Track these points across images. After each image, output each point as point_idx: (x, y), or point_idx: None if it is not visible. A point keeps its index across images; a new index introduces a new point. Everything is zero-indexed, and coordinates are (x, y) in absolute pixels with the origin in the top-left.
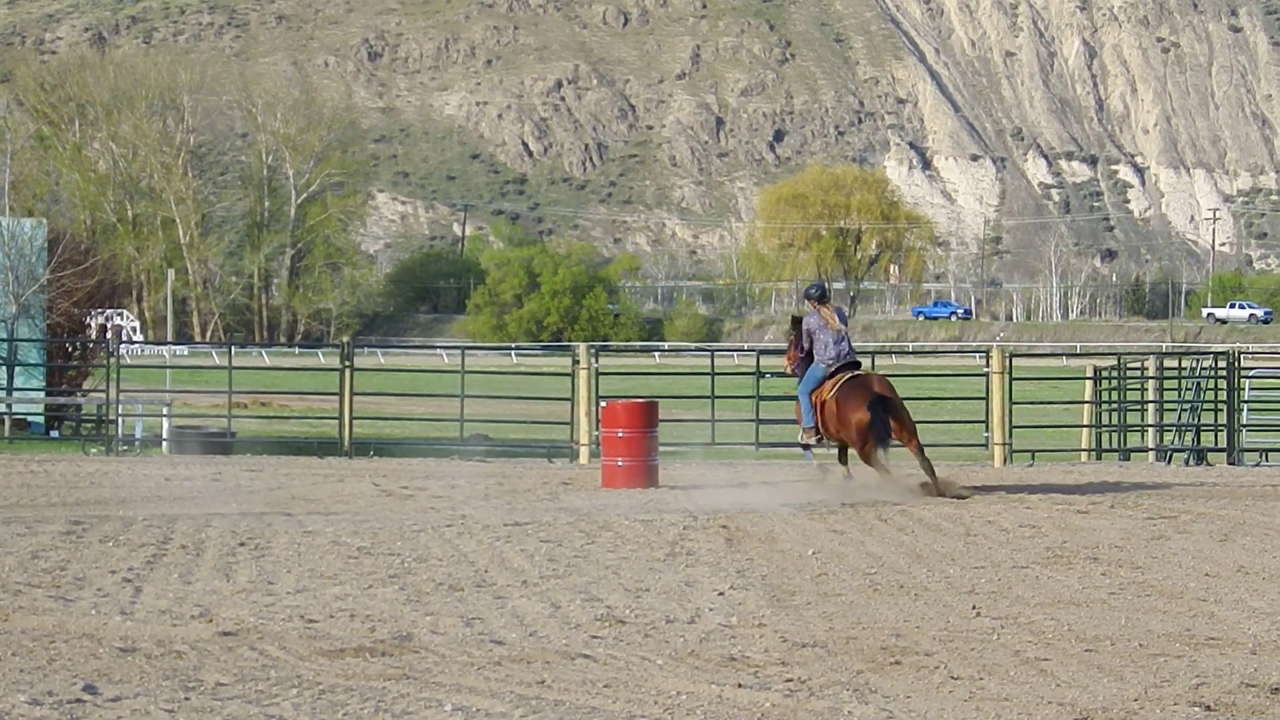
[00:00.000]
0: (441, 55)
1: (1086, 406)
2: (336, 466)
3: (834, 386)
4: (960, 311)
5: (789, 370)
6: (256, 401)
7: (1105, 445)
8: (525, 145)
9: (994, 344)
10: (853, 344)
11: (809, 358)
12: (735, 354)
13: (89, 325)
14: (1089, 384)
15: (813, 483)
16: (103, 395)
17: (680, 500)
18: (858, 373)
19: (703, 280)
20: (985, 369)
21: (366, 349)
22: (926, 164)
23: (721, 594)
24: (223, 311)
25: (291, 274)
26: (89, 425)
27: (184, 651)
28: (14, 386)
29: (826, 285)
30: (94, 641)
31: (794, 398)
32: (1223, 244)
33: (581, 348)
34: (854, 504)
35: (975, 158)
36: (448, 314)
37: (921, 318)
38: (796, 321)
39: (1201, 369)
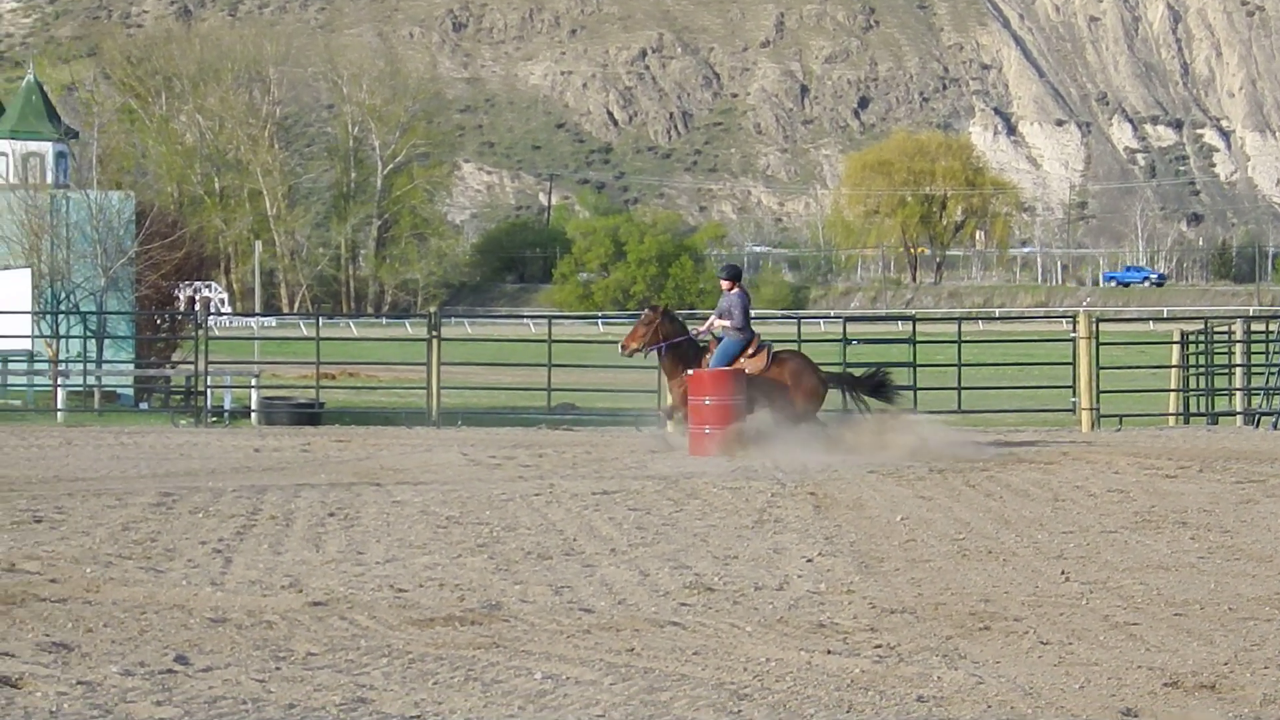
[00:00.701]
0: (526, 25)
1: (1174, 371)
2: (424, 436)
3: (767, 360)
4: (1154, 277)
5: (630, 352)
6: (344, 372)
7: (1193, 409)
8: (610, 114)
9: (1080, 309)
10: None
11: (690, 343)
12: (822, 321)
13: (177, 297)
14: (1176, 348)
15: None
16: (191, 367)
17: (768, 468)
18: (778, 348)
19: (788, 248)
20: (1072, 334)
21: (453, 319)
22: (1011, 129)
23: (810, 561)
24: (310, 283)
25: (378, 245)
26: (178, 397)
27: (274, 622)
28: (103, 359)
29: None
30: (185, 612)
31: (882, 364)
32: None
33: None
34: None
35: (1060, 123)
36: (534, 283)
37: (1114, 284)
38: (663, 311)
39: None
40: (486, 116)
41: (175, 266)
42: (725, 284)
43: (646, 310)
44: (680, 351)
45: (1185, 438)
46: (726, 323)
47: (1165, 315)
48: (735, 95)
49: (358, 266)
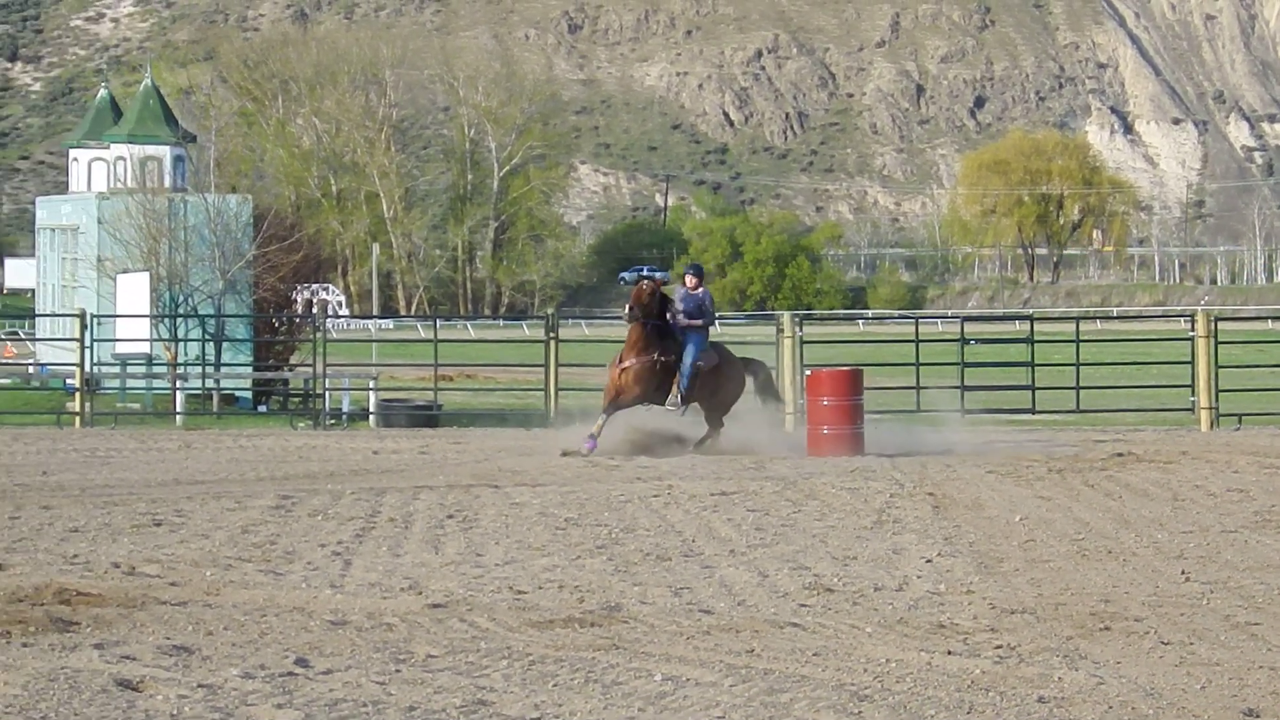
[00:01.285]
0: (641, 26)
1: None
2: (542, 438)
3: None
4: None
5: (635, 315)
6: (462, 374)
7: None
8: (726, 115)
9: (1199, 308)
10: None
11: (669, 327)
12: (939, 321)
13: (295, 300)
14: None
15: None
16: (309, 370)
17: (886, 468)
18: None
19: (905, 247)
20: (1190, 333)
21: (570, 320)
22: (1128, 128)
23: (929, 561)
24: (427, 285)
25: (495, 246)
26: (296, 400)
27: (394, 624)
28: (222, 362)
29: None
30: (304, 615)
31: (1000, 364)
32: None
33: (785, 316)
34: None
35: (1177, 121)
36: None
37: None
38: (661, 289)
39: None
40: (602, 118)
41: (293, 269)
42: (691, 281)
43: (648, 281)
44: (660, 332)
45: None
46: (698, 321)
47: None
48: (851, 95)
49: (474, 268)
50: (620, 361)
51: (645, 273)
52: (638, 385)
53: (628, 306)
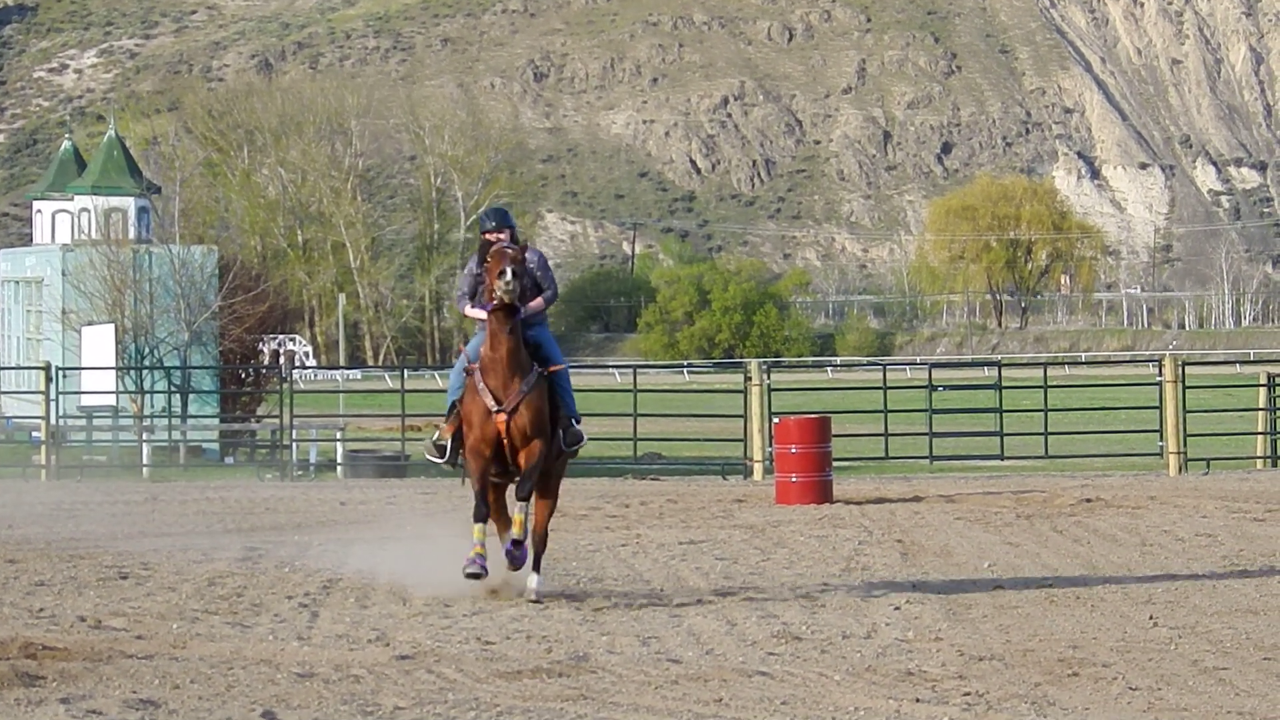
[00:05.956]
0: (607, 74)
1: (1261, 413)
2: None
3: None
4: None
5: (513, 295)
6: (430, 424)
7: None
8: (693, 162)
9: (1166, 352)
10: None
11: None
12: (908, 367)
13: (261, 351)
14: (1263, 391)
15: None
16: (276, 421)
17: (855, 515)
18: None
19: (873, 294)
20: (1158, 378)
21: None
22: (1095, 173)
23: (898, 609)
24: (394, 334)
25: None
26: (263, 451)
27: (361, 675)
28: (188, 414)
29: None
30: (272, 667)
31: (968, 411)
32: None
33: (753, 364)
34: None
35: (1144, 166)
36: (619, 333)
37: None
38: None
39: None
40: (569, 166)
41: (259, 320)
42: (499, 235)
43: (507, 246)
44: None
45: (1273, 480)
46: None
47: (1252, 358)
48: (818, 142)
49: (442, 318)
50: (497, 400)
51: (493, 220)
52: (538, 435)
53: (499, 274)
